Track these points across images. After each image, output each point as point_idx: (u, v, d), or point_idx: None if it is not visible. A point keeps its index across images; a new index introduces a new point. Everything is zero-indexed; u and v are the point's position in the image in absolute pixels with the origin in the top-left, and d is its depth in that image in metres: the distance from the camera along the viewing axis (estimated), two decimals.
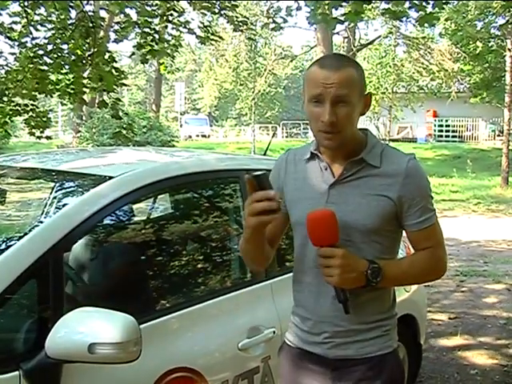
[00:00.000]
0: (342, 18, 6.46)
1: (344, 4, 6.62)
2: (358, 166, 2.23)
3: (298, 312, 2.40)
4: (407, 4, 6.19)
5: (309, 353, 2.35)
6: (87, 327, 2.16)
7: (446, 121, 37.63)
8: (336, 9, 6.54)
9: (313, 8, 6.46)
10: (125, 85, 9.35)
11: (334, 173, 2.27)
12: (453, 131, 37.66)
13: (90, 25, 8.09)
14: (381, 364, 2.28)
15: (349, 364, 2.28)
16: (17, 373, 2.17)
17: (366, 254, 2.20)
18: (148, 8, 8.71)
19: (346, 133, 2.16)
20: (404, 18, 6.68)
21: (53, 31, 8.53)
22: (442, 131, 37.93)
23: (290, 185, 2.39)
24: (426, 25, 6.33)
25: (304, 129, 41.72)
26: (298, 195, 2.34)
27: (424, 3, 6.01)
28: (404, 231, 2.33)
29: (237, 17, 10.37)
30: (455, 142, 36.28)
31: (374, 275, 2.16)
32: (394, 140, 33.70)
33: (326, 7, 6.56)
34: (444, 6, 6.71)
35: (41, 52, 8.40)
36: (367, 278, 2.16)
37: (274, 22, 10.59)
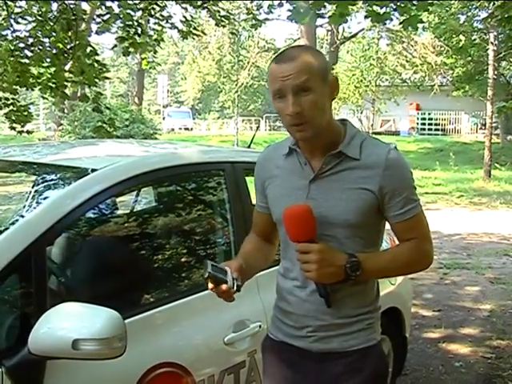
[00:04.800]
0: (326, 17, 6.42)
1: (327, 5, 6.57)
2: (337, 160, 2.20)
3: (281, 306, 2.39)
4: (391, 5, 6.13)
5: (292, 346, 2.34)
6: (71, 323, 2.13)
7: (429, 114, 37.78)
8: (319, 10, 6.48)
9: (295, 6, 6.41)
10: (107, 78, 9.30)
11: (313, 167, 2.24)
12: (435, 124, 37.82)
13: (72, 17, 8.02)
14: (364, 357, 2.27)
15: (332, 357, 2.27)
16: None
17: (348, 249, 2.18)
18: (130, 1, 8.65)
19: (316, 121, 2.13)
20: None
21: (34, 24, 8.46)
22: (424, 124, 38.07)
23: (270, 182, 2.38)
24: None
25: None
26: (279, 192, 2.33)
27: (408, 4, 5.95)
28: (388, 223, 2.30)
29: (219, 11, 10.32)
30: (438, 135, 36.46)
31: (353, 269, 2.13)
32: (376, 133, 33.73)
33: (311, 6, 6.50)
34: (429, 8, 6.64)
35: (22, 45, 8.32)
36: (346, 273, 2.13)
37: (255, 18, 10.56)
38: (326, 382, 2.28)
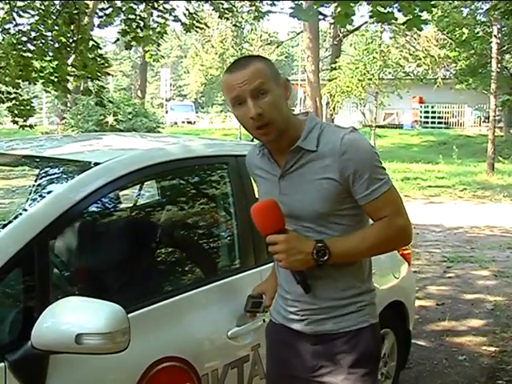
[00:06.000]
0: (329, 15, 6.41)
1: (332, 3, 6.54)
2: (298, 155, 2.29)
3: (279, 291, 2.50)
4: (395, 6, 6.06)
5: (290, 329, 2.44)
6: (74, 317, 2.12)
7: (432, 107, 37.68)
8: (321, 6, 6.44)
9: (297, 3, 6.38)
10: (108, 74, 9.29)
11: (279, 165, 2.34)
12: (439, 117, 37.70)
13: (74, 11, 8.00)
14: (357, 338, 2.35)
15: (327, 339, 2.36)
16: (2, 364, 2.12)
17: (327, 237, 2.26)
18: None
19: (277, 121, 2.22)
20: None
21: (36, 17, 8.45)
22: (427, 117, 37.96)
23: (256, 182, 2.55)
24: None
25: None
26: (262, 191, 2.47)
27: (412, 5, 5.89)
28: None
29: (222, 3, 10.32)
30: (441, 128, 36.36)
31: (320, 254, 2.21)
32: (380, 126, 33.66)
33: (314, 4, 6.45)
34: (433, 9, 6.59)
35: (24, 39, 8.31)
36: (314, 258, 2.21)
37: (258, 11, 10.57)
38: (322, 362, 2.37)
